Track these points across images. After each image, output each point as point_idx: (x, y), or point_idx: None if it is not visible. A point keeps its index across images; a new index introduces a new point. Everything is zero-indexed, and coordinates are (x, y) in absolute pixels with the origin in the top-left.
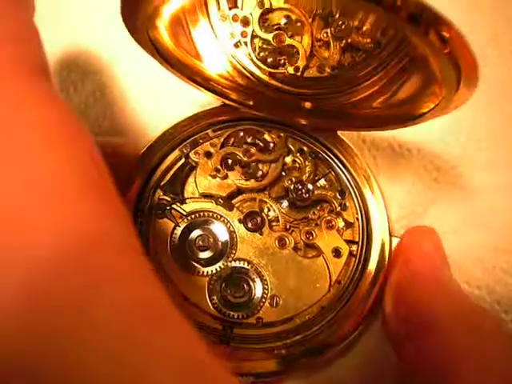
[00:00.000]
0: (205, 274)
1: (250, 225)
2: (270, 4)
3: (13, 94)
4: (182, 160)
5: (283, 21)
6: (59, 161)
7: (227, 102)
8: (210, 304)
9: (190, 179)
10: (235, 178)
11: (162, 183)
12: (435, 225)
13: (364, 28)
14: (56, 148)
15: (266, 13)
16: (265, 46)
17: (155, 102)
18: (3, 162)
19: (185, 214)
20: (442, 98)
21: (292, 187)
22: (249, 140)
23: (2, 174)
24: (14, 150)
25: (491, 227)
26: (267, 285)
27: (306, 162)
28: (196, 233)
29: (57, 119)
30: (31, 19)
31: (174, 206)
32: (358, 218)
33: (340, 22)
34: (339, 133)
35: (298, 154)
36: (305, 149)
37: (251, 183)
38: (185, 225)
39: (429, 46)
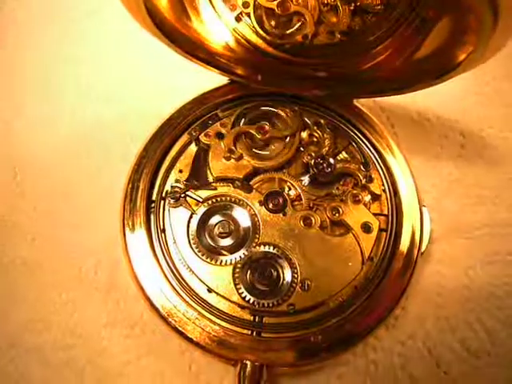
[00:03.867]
0: (228, 262)
1: (271, 206)
2: None
3: None
4: (193, 144)
5: None
6: None
7: (234, 78)
8: (236, 293)
9: (203, 163)
10: (250, 158)
11: (173, 170)
12: (469, 192)
13: None
14: None
15: None
16: (269, 15)
17: (157, 82)
18: None
19: (201, 200)
20: (476, 47)
21: (312, 162)
22: (261, 117)
23: None
24: None
25: None
26: (296, 268)
27: (325, 135)
28: (215, 219)
29: None
30: None
31: (188, 193)
32: (384, 190)
33: None
34: (355, 101)
35: (315, 128)
36: (322, 121)
37: (268, 162)
38: (202, 212)
39: None
